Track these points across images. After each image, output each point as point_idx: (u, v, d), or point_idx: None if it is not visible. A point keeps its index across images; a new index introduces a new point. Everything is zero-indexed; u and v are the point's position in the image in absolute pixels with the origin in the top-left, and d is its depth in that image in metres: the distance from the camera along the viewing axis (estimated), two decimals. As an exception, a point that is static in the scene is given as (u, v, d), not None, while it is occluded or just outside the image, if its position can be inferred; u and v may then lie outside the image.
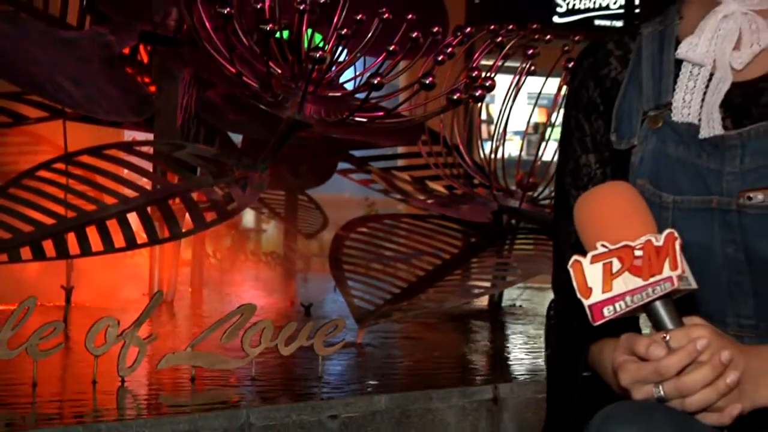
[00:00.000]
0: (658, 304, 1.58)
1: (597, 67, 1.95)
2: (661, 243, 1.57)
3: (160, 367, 4.15)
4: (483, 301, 6.55)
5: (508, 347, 5.64)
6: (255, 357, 4.17)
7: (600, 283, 1.57)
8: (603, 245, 1.58)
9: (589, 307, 1.58)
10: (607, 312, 1.58)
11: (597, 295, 1.58)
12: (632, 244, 1.57)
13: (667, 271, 1.56)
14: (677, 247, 1.57)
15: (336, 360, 4.61)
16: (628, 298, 1.57)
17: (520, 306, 6.93)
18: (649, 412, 1.58)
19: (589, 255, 1.58)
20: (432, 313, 5.95)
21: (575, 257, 1.59)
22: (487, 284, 6.17)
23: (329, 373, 4.45)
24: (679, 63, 1.84)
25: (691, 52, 1.79)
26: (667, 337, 1.57)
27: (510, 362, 5.23)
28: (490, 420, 4.18)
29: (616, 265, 1.57)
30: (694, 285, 1.60)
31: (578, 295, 1.58)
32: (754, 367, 1.60)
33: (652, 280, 1.56)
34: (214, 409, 3.75)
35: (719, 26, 1.79)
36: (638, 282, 1.57)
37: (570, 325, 1.88)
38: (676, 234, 1.57)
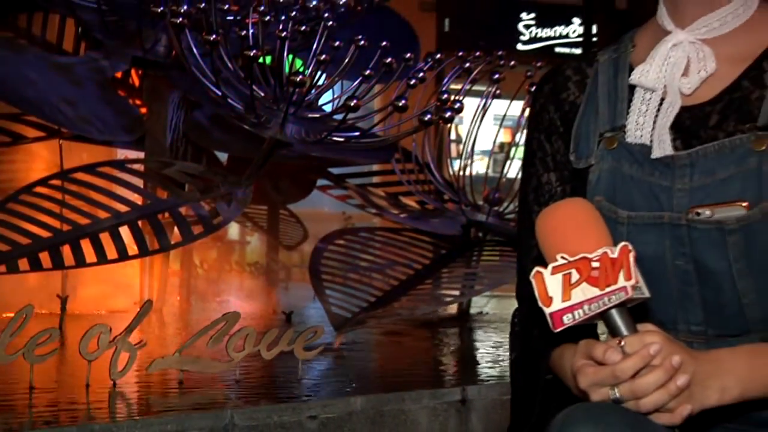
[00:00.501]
0: (614, 312, 1.59)
1: (557, 92, 1.95)
2: (616, 255, 1.57)
3: (150, 371, 4.13)
4: (452, 309, 6.55)
5: (475, 352, 5.64)
6: (239, 361, 4.17)
7: (560, 292, 1.58)
8: (562, 257, 1.58)
9: (550, 315, 1.58)
10: (567, 320, 1.58)
11: (557, 304, 1.58)
12: (589, 256, 1.58)
13: (621, 282, 1.57)
14: (631, 259, 1.57)
15: (315, 364, 4.60)
16: (586, 307, 1.57)
17: (487, 313, 6.93)
18: (605, 413, 1.58)
19: (550, 266, 1.59)
20: (405, 319, 5.95)
21: (537, 268, 1.59)
22: (456, 293, 6.17)
23: (309, 376, 4.45)
24: (632, 88, 1.84)
25: (643, 79, 1.80)
26: (623, 343, 1.57)
27: (477, 366, 5.23)
28: (459, 420, 4.18)
29: (575, 275, 1.57)
30: (647, 294, 1.60)
31: (540, 304, 1.58)
32: (702, 371, 1.60)
33: (608, 289, 1.57)
34: (200, 410, 3.74)
35: (669, 54, 1.79)
36: (595, 291, 1.57)
37: (532, 332, 1.88)
38: (630, 247, 1.58)
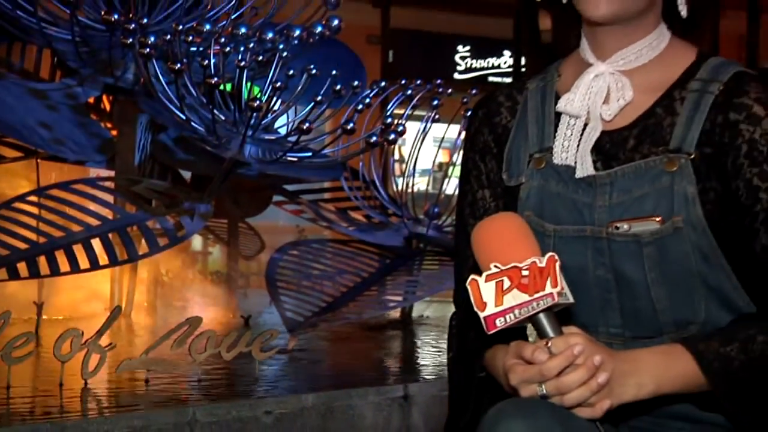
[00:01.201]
0: (542, 316, 1.59)
1: (490, 116, 1.95)
2: (543, 264, 1.58)
3: (119, 371, 4.10)
4: (396, 313, 6.53)
5: (417, 352, 5.63)
6: (201, 362, 4.14)
7: (493, 298, 1.58)
8: (495, 266, 1.59)
9: (484, 318, 1.58)
10: (499, 323, 1.58)
11: (491, 309, 1.58)
12: (520, 265, 1.58)
13: (548, 288, 1.57)
14: (557, 268, 1.58)
15: (270, 364, 4.57)
16: (516, 311, 1.57)
17: (428, 317, 6.92)
18: (534, 408, 1.58)
19: (484, 274, 1.59)
20: (353, 323, 5.93)
21: (473, 276, 1.59)
22: (400, 298, 6.17)
23: (264, 375, 4.42)
24: (558, 114, 1.85)
25: (568, 106, 1.81)
26: (549, 344, 1.58)
27: (418, 365, 5.22)
28: (401, 414, 4.17)
29: (507, 283, 1.58)
30: (571, 300, 1.61)
31: (475, 309, 1.58)
32: (620, 369, 1.61)
33: (536, 295, 1.57)
34: (165, 406, 3.72)
35: (591, 84, 1.80)
36: (525, 297, 1.57)
37: (468, 334, 1.88)
38: (556, 257, 1.58)
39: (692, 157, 1.73)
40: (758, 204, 1.70)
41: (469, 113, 5.85)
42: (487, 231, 1.66)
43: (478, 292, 1.59)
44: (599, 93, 1.80)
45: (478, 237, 1.67)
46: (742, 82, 1.75)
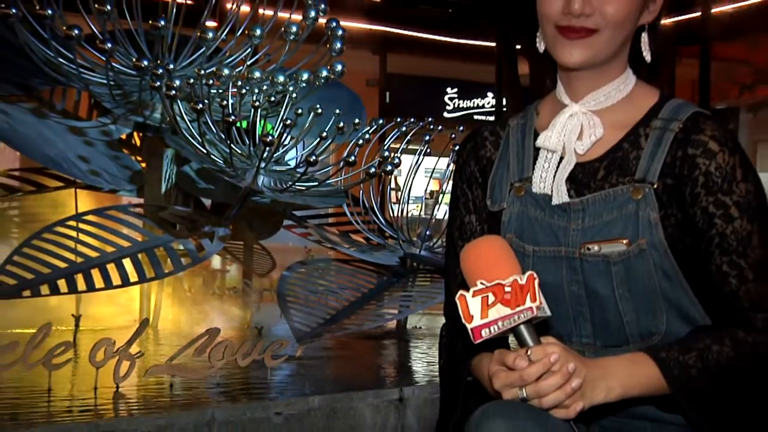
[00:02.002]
0: (522, 327, 1.59)
1: (476, 149, 1.97)
2: (524, 282, 1.59)
3: (146, 376, 4.10)
4: (392, 324, 6.52)
5: (410, 359, 5.62)
6: (218, 368, 4.13)
7: (479, 311, 1.59)
8: (481, 283, 1.59)
9: (471, 329, 1.59)
10: (485, 333, 1.59)
11: (477, 321, 1.59)
12: (503, 282, 1.59)
13: (528, 303, 1.58)
14: (536, 284, 1.59)
15: (280, 370, 4.56)
16: (500, 323, 1.58)
17: (420, 328, 6.91)
18: (515, 409, 1.59)
19: (471, 290, 1.60)
20: (354, 333, 5.91)
21: (461, 292, 1.60)
22: (395, 311, 6.15)
23: (275, 380, 4.42)
24: (536, 148, 1.85)
25: (546, 142, 1.82)
26: (529, 353, 1.58)
27: (412, 370, 5.21)
28: (397, 415, 4.16)
29: (491, 298, 1.58)
30: (548, 313, 1.61)
31: (463, 321, 1.59)
32: (592, 375, 1.61)
33: (517, 309, 1.58)
34: (186, 408, 3.72)
35: (566, 123, 1.81)
36: (507, 311, 1.58)
37: (457, 343, 1.88)
38: (535, 275, 1.59)
39: (655, 186, 1.74)
40: (713, 229, 1.72)
41: (457, 147, 5.89)
42: (474, 252, 1.67)
43: (466, 306, 1.59)
44: (573, 130, 1.81)
45: (465, 257, 1.67)
46: (699, 121, 1.76)
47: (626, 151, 1.78)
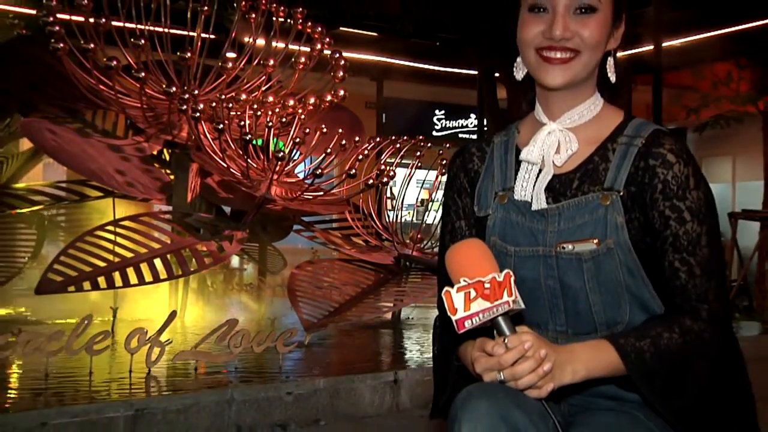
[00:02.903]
0: (500, 319, 1.59)
1: (465, 163, 1.97)
2: (501, 279, 1.59)
3: (174, 361, 4.09)
4: (388, 316, 6.51)
5: (404, 346, 5.61)
6: (237, 354, 4.13)
7: (462, 305, 1.59)
8: (464, 280, 1.59)
9: (456, 321, 1.59)
10: (467, 324, 1.58)
11: (460, 313, 1.59)
12: (483, 279, 1.59)
13: (505, 297, 1.59)
14: (512, 281, 1.59)
15: (291, 355, 4.55)
16: (480, 315, 1.58)
17: (412, 318, 6.91)
18: (494, 390, 1.59)
19: (455, 287, 1.59)
20: (354, 323, 5.92)
21: (446, 288, 1.60)
22: (391, 304, 6.15)
23: (287, 363, 4.41)
24: (518, 161, 1.86)
25: (529, 156, 1.83)
26: (506, 341, 1.58)
27: (405, 356, 5.20)
28: (392, 394, 4.15)
29: (473, 293, 1.58)
30: (522, 306, 1.62)
31: (448, 314, 1.58)
32: (560, 359, 1.62)
33: (496, 303, 1.58)
34: (209, 388, 3.72)
35: (545, 139, 1.82)
36: (487, 304, 1.58)
37: (446, 332, 1.87)
38: (511, 273, 1.59)
39: (621, 194, 1.75)
40: (668, 230, 1.73)
41: (448, 161, 5.91)
42: (458, 253, 1.67)
43: (450, 300, 1.59)
44: (552, 145, 1.82)
45: (450, 258, 1.67)
46: (659, 137, 1.78)
47: (596, 163, 1.79)
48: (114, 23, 5.30)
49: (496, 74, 10.31)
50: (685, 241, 1.73)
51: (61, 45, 5.09)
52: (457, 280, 1.61)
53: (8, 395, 3.60)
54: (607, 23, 1.79)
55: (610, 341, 1.68)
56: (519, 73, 1.88)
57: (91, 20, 5.23)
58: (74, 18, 5.26)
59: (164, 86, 5.34)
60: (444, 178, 6.52)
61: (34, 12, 6.89)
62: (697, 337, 1.69)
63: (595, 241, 1.73)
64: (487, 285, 1.59)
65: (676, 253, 1.73)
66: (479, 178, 1.93)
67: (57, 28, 5.14)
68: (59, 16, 5.26)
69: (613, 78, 1.86)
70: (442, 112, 14.85)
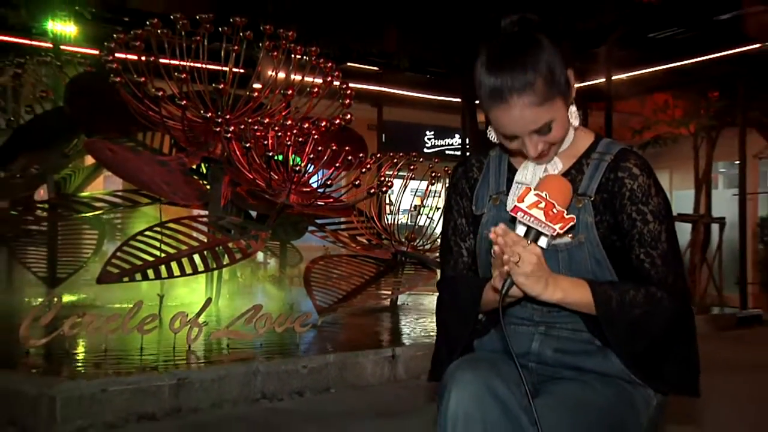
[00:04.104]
0: (538, 234, 1.57)
1: (466, 172, 1.97)
2: (567, 217, 1.57)
3: (210, 339, 4.09)
4: (387, 302, 6.51)
5: (400, 327, 5.61)
6: (261, 333, 4.13)
7: (528, 203, 1.56)
8: (546, 194, 1.56)
9: (514, 205, 1.56)
10: (519, 215, 1.56)
11: (522, 206, 1.56)
12: (556, 205, 1.56)
13: (557, 226, 1.56)
14: (570, 225, 1.57)
15: (307, 335, 4.56)
16: (532, 219, 1.55)
17: (407, 304, 6.90)
18: (479, 363, 1.61)
19: (535, 191, 1.56)
20: (359, 308, 5.92)
21: (528, 185, 1.63)
22: (389, 292, 6.16)
23: (303, 342, 4.41)
24: (510, 171, 1.88)
25: (521, 177, 1.84)
26: (528, 244, 1.57)
27: (402, 335, 5.20)
28: (390, 367, 4.16)
29: (542, 204, 1.56)
30: (553, 242, 1.61)
31: (515, 200, 1.57)
32: (550, 279, 1.63)
33: (549, 223, 1.56)
34: (239, 361, 3.72)
35: (536, 167, 1.84)
36: (543, 218, 1.56)
37: (459, 292, 1.86)
38: (574, 218, 1.57)
39: (592, 199, 1.76)
40: (635, 228, 1.76)
41: (436, 173, 5.93)
42: (559, 180, 1.64)
43: (525, 193, 1.56)
44: (541, 169, 1.83)
45: (551, 177, 1.66)
46: (625, 154, 1.81)
47: (573, 175, 1.81)
48: (161, 60, 5.31)
49: (476, 101, 10.32)
50: (649, 237, 1.75)
51: (119, 79, 5.13)
52: (541, 189, 1.59)
53: (75, 366, 3.62)
54: (563, 116, 1.76)
55: (588, 284, 1.69)
56: (494, 137, 1.87)
57: (143, 58, 5.24)
58: (129, 57, 5.30)
59: (202, 112, 5.35)
60: (434, 188, 6.56)
61: (97, 52, 6.96)
62: (658, 300, 1.71)
63: (570, 236, 1.75)
64: (554, 210, 1.56)
65: (641, 247, 1.76)
66: (477, 184, 1.94)
67: (115, 65, 5.18)
68: (117, 55, 5.29)
69: (576, 123, 1.85)
70: (432, 132, 14.83)
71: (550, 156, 1.80)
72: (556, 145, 1.78)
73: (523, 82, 1.65)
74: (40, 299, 5.66)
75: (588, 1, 9.07)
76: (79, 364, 3.69)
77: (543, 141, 1.74)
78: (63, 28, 8.45)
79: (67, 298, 5.90)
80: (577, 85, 1.85)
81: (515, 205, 1.56)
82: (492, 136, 1.88)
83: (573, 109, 1.84)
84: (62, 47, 8.06)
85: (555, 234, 1.57)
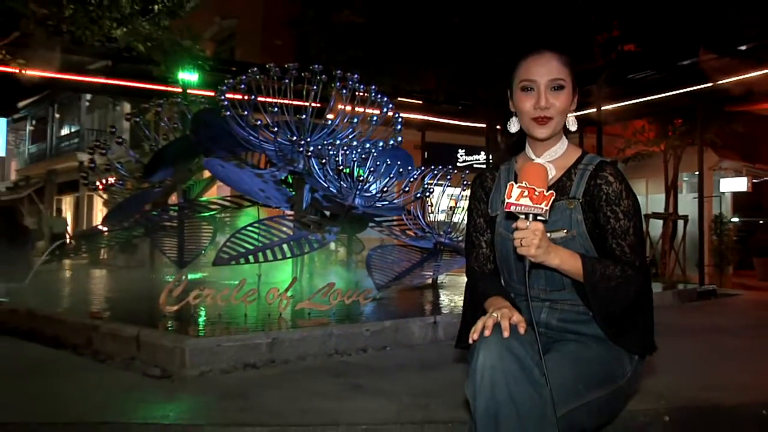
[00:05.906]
0: (531, 216, 1.55)
1: (482, 182, 1.96)
2: (547, 194, 1.54)
3: (297, 308, 4.12)
4: (429, 281, 6.48)
5: (440, 300, 5.58)
6: (334, 304, 4.15)
7: (515, 196, 1.54)
8: (526, 183, 1.54)
9: (506, 203, 1.54)
10: (513, 209, 1.54)
11: (512, 201, 1.54)
12: (537, 189, 1.53)
13: (543, 206, 1.54)
14: (551, 201, 1.54)
15: (368, 306, 4.56)
16: (523, 207, 1.54)
17: (445, 283, 6.86)
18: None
19: (517, 184, 1.54)
20: (408, 285, 5.91)
21: (510, 182, 1.58)
22: (431, 273, 6.13)
23: (366, 311, 4.41)
24: (517, 182, 1.87)
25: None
26: (528, 224, 1.56)
27: (441, 306, 5.17)
28: (433, 331, 4.13)
29: (526, 192, 1.54)
30: (547, 218, 1.56)
31: (506, 197, 1.54)
32: (550, 248, 1.61)
33: (536, 206, 1.54)
34: (317, 326, 3.73)
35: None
36: (530, 203, 1.54)
37: (477, 287, 1.83)
38: (554, 193, 1.55)
39: (580, 201, 1.74)
40: (609, 224, 1.73)
41: (468, 182, 5.86)
42: (534, 168, 1.61)
43: (511, 189, 1.54)
44: None
45: (529, 166, 1.61)
46: (603, 165, 1.78)
47: (564, 182, 1.78)
48: (259, 98, 5.38)
49: (498, 126, 10.22)
50: (620, 231, 1.72)
51: (228, 113, 5.20)
52: (521, 180, 1.57)
53: (198, 328, 3.69)
54: (569, 95, 1.77)
55: (580, 257, 1.67)
56: (513, 128, 1.86)
57: (245, 97, 5.32)
58: (235, 96, 5.37)
59: (289, 136, 5.40)
60: (465, 193, 6.51)
61: (212, 94, 7.10)
62: (629, 276, 1.69)
63: (565, 231, 1.73)
64: (536, 193, 1.54)
65: (613, 239, 1.72)
66: (492, 192, 1.92)
67: (225, 102, 5.25)
68: (227, 95, 5.38)
69: (574, 127, 1.83)
70: (463, 150, 14.74)
71: (549, 126, 1.76)
72: (554, 120, 1.75)
73: (556, 50, 1.75)
74: (172, 277, 5.78)
75: (583, 49, 9.12)
76: (200, 326, 3.76)
77: (551, 100, 1.72)
78: (189, 77, 9.20)
79: (191, 276, 6.02)
80: (574, 114, 1.84)
81: (507, 202, 1.54)
82: (512, 126, 1.85)
83: (572, 117, 1.83)
84: (188, 91, 8.49)
85: (544, 212, 1.54)
